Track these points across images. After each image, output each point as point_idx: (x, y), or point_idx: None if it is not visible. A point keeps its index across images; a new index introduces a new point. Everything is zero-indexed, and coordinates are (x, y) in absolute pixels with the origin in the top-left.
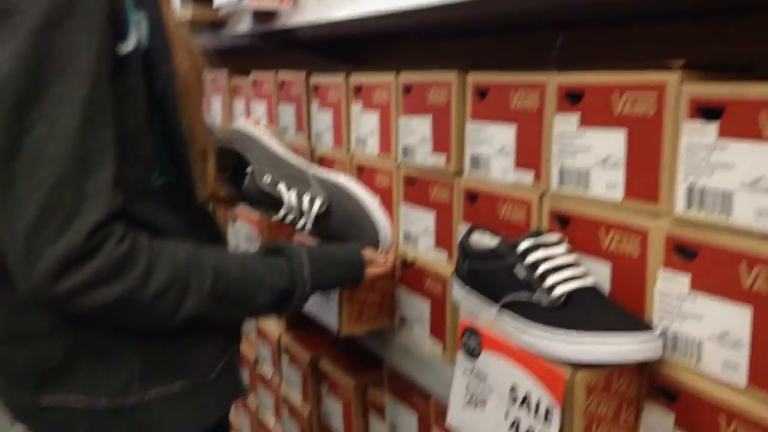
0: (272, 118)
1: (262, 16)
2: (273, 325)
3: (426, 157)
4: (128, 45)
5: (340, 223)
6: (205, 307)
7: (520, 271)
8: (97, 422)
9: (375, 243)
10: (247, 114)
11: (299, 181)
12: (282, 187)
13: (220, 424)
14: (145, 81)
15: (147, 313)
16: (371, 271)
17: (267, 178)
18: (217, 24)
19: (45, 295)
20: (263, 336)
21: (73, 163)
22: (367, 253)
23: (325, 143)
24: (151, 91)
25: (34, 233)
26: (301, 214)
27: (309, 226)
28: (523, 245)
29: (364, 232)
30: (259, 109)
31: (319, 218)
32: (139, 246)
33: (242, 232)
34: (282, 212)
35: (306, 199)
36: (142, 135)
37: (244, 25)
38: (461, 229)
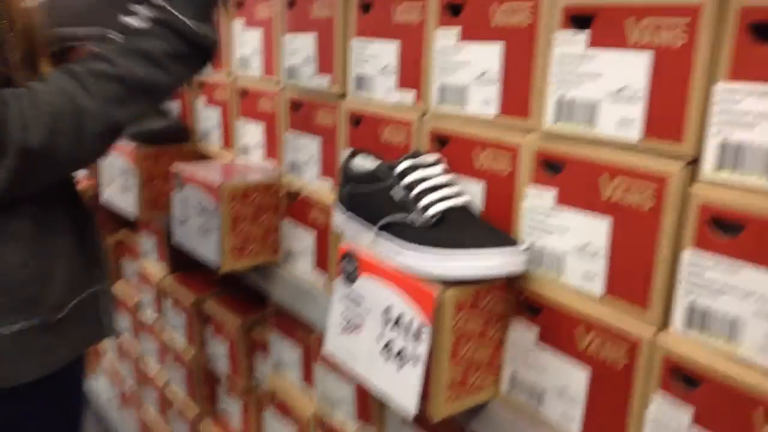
0: None
1: None
2: (154, 268)
3: (311, 78)
4: None
5: None
6: (113, 96)
7: (397, 193)
8: None
9: None
10: None
11: None
12: None
13: (72, 368)
14: None
15: (58, 161)
16: None
17: None
18: None
19: None
20: (145, 280)
21: None
22: None
23: None
24: None
25: None
26: None
27: None
28: (401, 167)
29: None
30: None
31: None
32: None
33: (115, 165)
34: None
35: None
36: None
37: None
38: (343, 153)
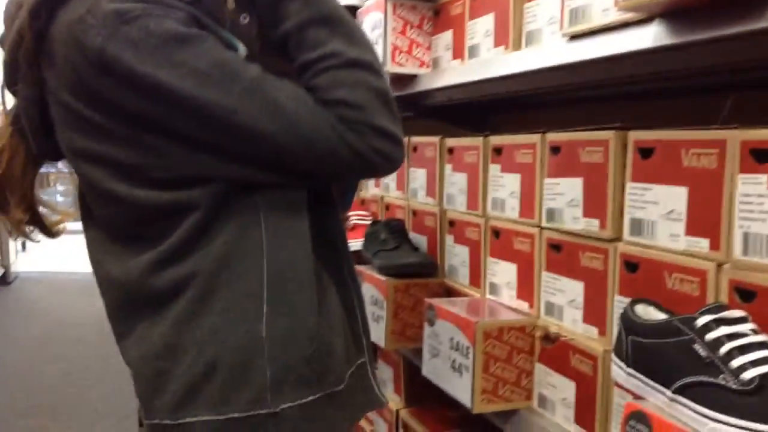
0: (402, 182)
1: (401, 81)
2: (391, 399)
3: (575, 221)
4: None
5: None
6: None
7: (699, 349)
8: None
9: None
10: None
11: None
12: None
13: None
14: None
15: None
16: None
17: None
18: None
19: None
20: (380, 410)
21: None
22: None
23: (458, 206)
24: None
25: None
26: None
27: None
28: (702, 320)
29: None
30: None
31: None
32: None
33: (368, 294)
34: None
35: None
36: None
37: None
38: (617, 301)
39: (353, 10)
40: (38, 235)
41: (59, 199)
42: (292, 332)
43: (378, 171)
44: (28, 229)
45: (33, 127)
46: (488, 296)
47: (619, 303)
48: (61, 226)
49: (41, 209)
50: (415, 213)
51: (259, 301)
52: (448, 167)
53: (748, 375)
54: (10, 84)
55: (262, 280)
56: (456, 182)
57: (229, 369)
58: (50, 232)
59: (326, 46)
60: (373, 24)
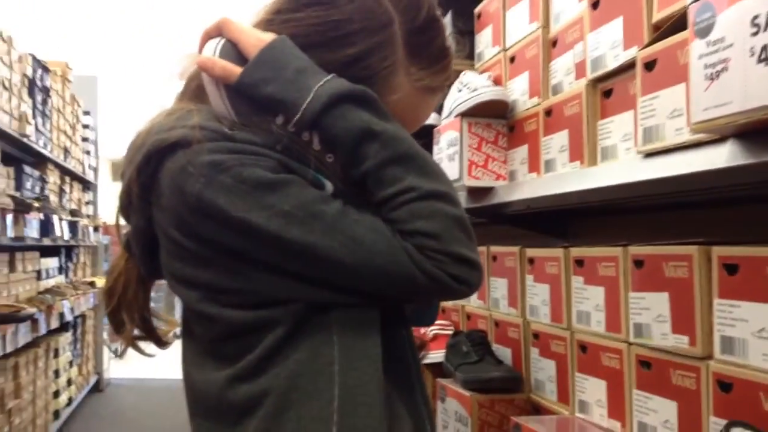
0: (483, 292)
1: (477, 193)
2: None
3: (664, 337)
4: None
5: None
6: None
7: None
8: None
9: None
10: None
11: None
12: None
13: None
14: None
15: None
16: None
17: None
18: None
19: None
20: None
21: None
22: None
23: (542, 318)
24: None
25: None
26: None
27: None
28: None
29: None
30: None
31: None
32: None
33: (451, 409)
34: None
35: None
36: None
37: None
38: (712, 423)
39: (430, 129)
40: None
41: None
42: None
43: (457, 295)
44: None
45: (142, 252)
46: (577, 414)
47: (714, 425)
48: (170, 334)
49: (154, 320)
50: (497, 324)
51: (328, 424)
52: (529, 278)
53: None
54: (125, 212)
55: (333, 402)
56: (538, 293)
57: None
58: (162, 342)
59: (403, 182)
60: (449, 141)
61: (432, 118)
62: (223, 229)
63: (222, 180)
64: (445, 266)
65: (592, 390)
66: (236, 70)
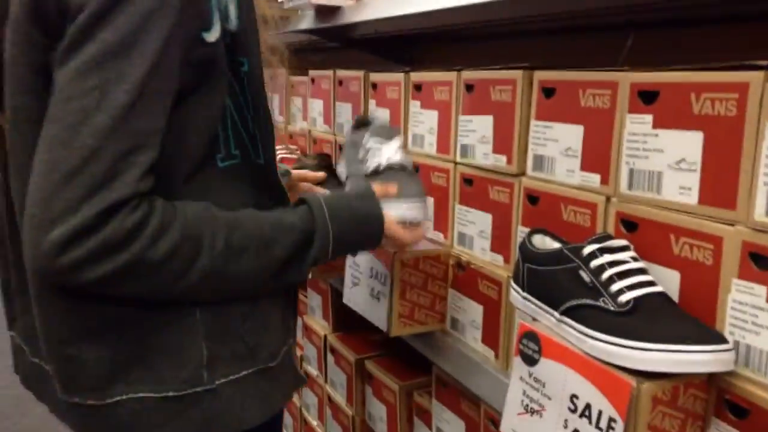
0: (329, 116)
1: (325, 13)
2: (319, 325)
3: (486, 157)
4: (212, 35)
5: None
6: (220, 263)
7: (584, 275)
8: (166, 413)
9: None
10: (304, 112)
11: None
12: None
13: (278, 416)
14: (231, 64)
15: (157, 277)
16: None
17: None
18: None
19: (46, 269)
20: (310, 335)
21: (113, 138)
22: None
23: None
24: (237, 72)
25: (52, 201)
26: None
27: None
28: (588, 249)
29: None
30: (316, 107)
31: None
32: (153, 211)
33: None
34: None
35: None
36: (217, 119)
37: (305, 22)
38: (520, 231)
39: None
40: None
41: None
42: (228, 312)
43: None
44: None
45: None
46: None
47: (521, 233)
48: None
49: None
50: (341, 147)
51: None
52: (372, 102)
53: (624, 298)
54: None
55: None
56: (379, 117)
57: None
58: None
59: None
60: None
61: None
62: None
63: None
64: (62, 259)
65: None
66: None
